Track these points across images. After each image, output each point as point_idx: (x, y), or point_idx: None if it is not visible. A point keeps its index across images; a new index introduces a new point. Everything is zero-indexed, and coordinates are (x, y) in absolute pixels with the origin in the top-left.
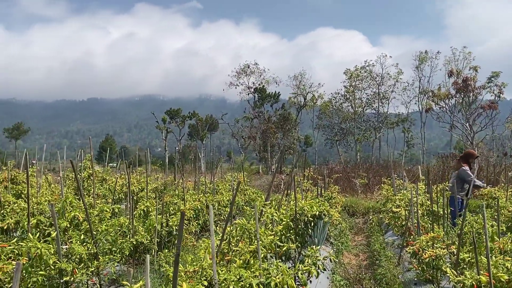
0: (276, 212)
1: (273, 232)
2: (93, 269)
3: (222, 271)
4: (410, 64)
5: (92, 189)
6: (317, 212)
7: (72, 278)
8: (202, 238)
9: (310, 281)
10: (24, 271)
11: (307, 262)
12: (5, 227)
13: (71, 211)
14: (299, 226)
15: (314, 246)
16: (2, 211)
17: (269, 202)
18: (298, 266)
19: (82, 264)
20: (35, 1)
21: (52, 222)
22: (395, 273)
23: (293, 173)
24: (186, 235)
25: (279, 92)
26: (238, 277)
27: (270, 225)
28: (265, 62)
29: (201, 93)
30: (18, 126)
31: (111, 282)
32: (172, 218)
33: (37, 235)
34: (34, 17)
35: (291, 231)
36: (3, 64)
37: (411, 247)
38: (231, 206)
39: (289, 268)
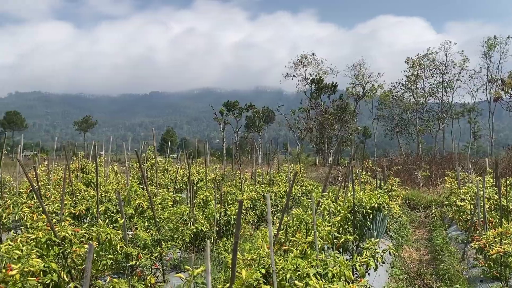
0: (333, 204)
1: (330, 224)
2: (156, 254)
3: (279, 260)
4: (477, 51)
5: (155, 179)
6: (376, 204)
7: (137, 263)
8: (260, 228)
9: (368, 274)
10: (95, 254)
11: (365, 255)
12: (77, 213)
13: (136, 199)
14: (357, 218)
15: (372, 239)
16: (74, 199)
17: (326, 193)
18: (356, 258)
19: (146, 249)
20: (102, 0)
21: (119, 209)
22: (459, 269)
23: (351, 165)
24: (243, 224)
25: (336, 82)
26: (295, 266)
27: (327, 216)
28: (323, 52)
29: (258, 86)
30: (87, 119)
31: (173, 267)
32: (230, 207)
33: (106, 221)
34: (101, 15)
35: (349, 223)
36: (73, 62)
37: (477, 243)
38: (288, 196)
39: (346, 260)
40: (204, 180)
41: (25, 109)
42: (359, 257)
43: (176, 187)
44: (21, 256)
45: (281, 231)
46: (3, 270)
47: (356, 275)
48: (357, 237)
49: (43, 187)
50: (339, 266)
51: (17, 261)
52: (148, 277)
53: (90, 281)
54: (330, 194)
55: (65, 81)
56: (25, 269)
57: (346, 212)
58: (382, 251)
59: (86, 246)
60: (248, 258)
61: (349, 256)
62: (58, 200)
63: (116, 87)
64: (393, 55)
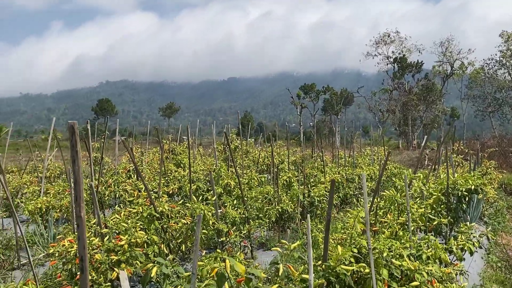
0: (424, 186)
1: (424, 206)
2: (245, 231)
3: (371, 241)
4: None
5: (240, 160)
6: (473, 187)
7: (227, 239)
8: (343, 210)
9: (464, 259)
10: (190, 230)
11: (460, 238)
12: (170, 192)
13: (224, 179)
14: (451, 201)
15: (467, 223)
16: (166, 178)
17: (418, 175)
18: (452, 242)
19: (235, 227)
20: None
21: (209, 188)
22: None
23: (442, 146)
24: (326, 206)
25: (421, 61)
26: (388, 247)
27: (418, 199)
28: (406, 29)
29: (335, 67)
30: (170, 106)
31: (260, 245)
32: (313, 189)
33: (199, 198)
34: (182, 3)
35: (442, 206)
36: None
37: None
38: (380, 176)
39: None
40: (285, 162)
41: (114, 97)
42: (454, 241)
43: (258, 168)
44: (127, 229)
45: (371, 212)
46: (113, 241)
47: (451, 259)
48: (451, 220)
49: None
50: (433, 249)
51: (124, 233)
52: (238, 253)
53: (185, 254)
54: (421, 176)
55: (150, 70)
56: (132, 240)
57: (439, 194)
58: (479, 235)
59: (183, 221)
60: (338, 237)
61: (442, 240)
62: (152, 180)
63: (196, 74)
64: (485, 29)
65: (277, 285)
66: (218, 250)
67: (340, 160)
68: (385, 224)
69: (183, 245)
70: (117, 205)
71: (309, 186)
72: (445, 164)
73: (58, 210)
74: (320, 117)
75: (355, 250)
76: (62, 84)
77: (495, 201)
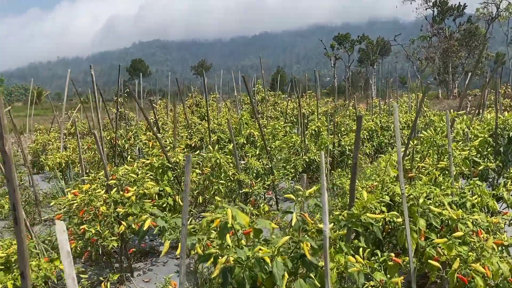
0: (468, 128)
1: (468, 148)
2: (269, 182)
3: (405, 188)
4: None
5: (266, 112)
6: None
7: (250, 190)
8: (378, 160)
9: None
10: (206, 181)
11: (510, 185)
12: (192, 145)
13: (246, 128)
14: (500, 143)
15: None
16: (189, 131)
17: (461, 114)
18: (501, 188)
19: (259, 178)
20: None
21: (231, 138)
22: None
23: (486, 89)
24: (360, 155)
25: (464, 3)
26: (425, 194)
27: (461, 143)
28: None
29: (371, 16)
30: (202, 63)
31: (286, 198)
32: (344, 138)
33: (216, 147)
34: None
35: (489, 149)
36: (188, 8)
37: None
38: (418, 111)
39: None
40: (316, 113)
41: (147, 57)
42: (503, 187)
43: (286, 120)
44: (137, 180)
45: (407, 157)
46: (121, 192)
47: (501, 208)
48: (500, 164)
49: (161, 121)
50: (479, 196)
51: (133, 184)
52: (262, 205)
53: (203, 205)
54: (465, 117)
55: (181, 28)
56: (140, 191)
57: (486, 135)
58: None
59: (197, 171)
60: (369, 184)
61: (489, 187)
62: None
63: (227, 31)
64: None
65: (288, 236)
66: (238, 202)
67: (375, 108)
68: (423, 169)
69: (200, 197)
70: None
71: (339, 135)
72: (490, 108)
73: (78, 164)
74: (355, 69)
75: (387, 198)
76: (96, 47)
77: None
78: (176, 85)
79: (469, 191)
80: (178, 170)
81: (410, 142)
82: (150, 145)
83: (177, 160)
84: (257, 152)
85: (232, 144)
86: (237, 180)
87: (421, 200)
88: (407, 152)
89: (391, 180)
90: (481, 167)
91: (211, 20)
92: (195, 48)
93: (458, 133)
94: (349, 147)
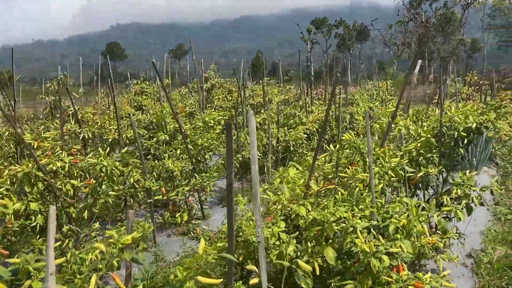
0: (413, 125)
1: (403, 152)
2: (188, 188)
3: (313, 206)
4: None
5: (217, 101)
6: (474, 125)
7: (164, 198)
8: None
9: (459, 219)
10: (92, 194)
11: (455, 193)
12: (110, 140)
13: (171, 123)
14: (446, 144)
15: (469, 171)
16: (121, 125)
17: (404, 112)
18: (440, 198)
19: (178, 182)
20: None
21: (152, 135)
22: None
23: (444, 77)
24: (306, 151)
25: None
26: (336, 217)
27: (404, 145)
28: None
29: (351, 1)
30: (180, 47)
31: (220, 200)
32: (290, 132)
33: (107, 150)
34: None
35: (434, 151)
36: None
37: None
38: (329, 106)
39: (428, 200)
40: (274, 101)
41: (127, 40)
42: (447, 196)
43: (244, 109)
44: None
45: (328, 164)
46: None
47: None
48: (444, 169)
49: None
50: (408, 215)
51: None
52: (178, 215)
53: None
54: (410, 112)
55: (161, 11)
56: None
57: (429, 135)
58: (481, 189)
59: (73, 181)
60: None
61: (433, 193)
62: (100, 125)
63: (208, 13)
64: None
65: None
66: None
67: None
68: (346, 180)
69: (86, 212)
70: None
71: (287, 128)
72: (454, 98)
73: None
74: (332, 54)
75: (282, 226)
76: (74, 29)
77: (510, 138)
78: (149, 69)
79: (396, 208)
80: (51, 181)
81: (331, 146)
82: (35, 146)
83: (55, 167)
84: (178, 152)
85: (137, 143)
86: (142, 186)
87: (290, 248)
88: (328, 158)
89: (295, 196)
90: (421, 174)
91: (191, 2)
92: (175, 31)
93: (400, 130)
94: (294, 142)
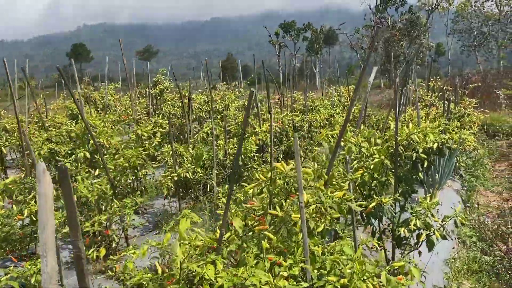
0: (365, 142)
1: (349, 179)
2: (105, 217)
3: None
4: None
5: (166, 107)
6: (435, 144)
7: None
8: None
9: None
10: None
11: (413, 224)
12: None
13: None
14: (403, 167)
15: (429, 196)
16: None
17: (357, 126)
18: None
19: (95, 210)
20: None
21: (71, 151)
22: None
23: (405, 82)
24: (256, 166)
25: None
26: (254, 281)
27: (346, 171)
28: None
29: (323, 5)
30: (148, 49)
31: (155, 225)
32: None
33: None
34: None
35: (390, 173)
36: None
37: None
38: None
39: (384, 231)
40: (232, 107)
41: (94, 41)
42: (404, 228)
43: (191, 117)
44: None
45: (259, 197)
46: None
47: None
48: (401, 196)
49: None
50: (351, 267)
51: None
52: (92, 250)
53: None
54: (362, 128)
55: (130, 11)
56: None
57: (383, 156)
58: (443, 220)
59: None
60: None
61: (389, 224)
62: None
63: (178, 15)
64: None
65: None
66: None
67: (298, 104)
68: (278, 219)
69: None
70: None
71: (235, 139)
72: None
73: None
74: (301, 58)
75: None
76: (39, 30)
77: (474, 149)
78: (123, 70)
79: (329, 263)
80: None
81: (259, 175)
82: None
83: None
84: (96, 173)
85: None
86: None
87: None
88: (259, 189)
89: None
90: (373, 204)
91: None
92: (144, 32)
93: (349, 149)
94: (244, 156)
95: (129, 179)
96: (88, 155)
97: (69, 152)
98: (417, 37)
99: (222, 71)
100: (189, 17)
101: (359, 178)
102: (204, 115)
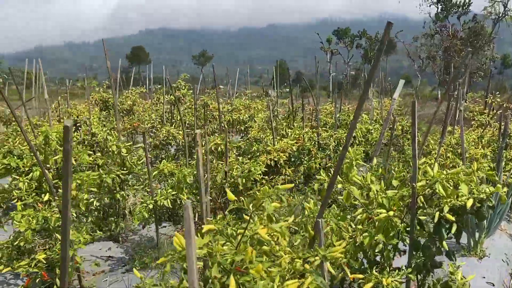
0: (377, 184)
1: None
2: (43, 256)
3: None
4: None
5: (189, 116)
6: (470, 201)
7: None
8: (303, 191)
9: None
10: None
11: None
12: None
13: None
14: (423, 228)
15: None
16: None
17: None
18: None
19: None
20: None
21: (29, 169)
22: None
23: (456, 98)
24: (258, 190)
25: (469, 0)
26: None
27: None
28: None
29: (380, 12)
30: (203, 54)
31: (131, 257)
32: (244, 165)
33: None
34: None
35: (405, 234)
36: None
37: None
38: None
39: None
40: (258, 117)
41: (154, 44)
42: None
43: (212, 127)
44: None
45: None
46: None
47: None
48: (417, 271)
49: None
50: None
51: None
52: None
53: None
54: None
55: (189, 17)
56: None
57: (393, 212)
58: None
59: None
60: None
61: None
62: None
63: (236, 21)
64: None
65: None
66: None
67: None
68: None
69: None
70: None
71: (244, 158)
72: (467, 124)
73: None
74: (354, 66)
75: None
76: (104, 32)
77: None
78: (181, 73)
79: None
80: None
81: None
82: None
83: None
84: (46, 198)
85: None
86: None
87: None
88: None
89: None
90: (369, 286)
91: (220, 10)
92: (202, 37)
93: (350, 196)
94: (244, 180)
95: (98, 204)
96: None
97: (28, 170)
98: (481, 47)
99: (274, 77)
100: (245, 24)
101: (351, 245)
102: (226, 126)
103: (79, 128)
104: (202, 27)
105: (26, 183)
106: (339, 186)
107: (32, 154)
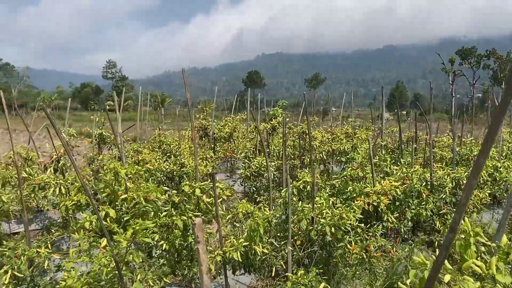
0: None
1: None
2: None
3: None
4: None
5: (275, 146)
6: None
7: None
8: (408, 243)
9: None
10: None
11: None
12: None
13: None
14: None
15: None
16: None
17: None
18: None
19: None
20: None
21: (99, 206)
22: None
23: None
24: (350, 247)
25: None
26: None
27: None
28: None
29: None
30: (316, 76)
31: None
32: (334, 210)
33: None
34: None
35: None
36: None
37: None
38: None
39: None
40: (362, 148)
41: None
42: None
43: (285, 160)
44: None
45: None
46: None
47: None
48: None
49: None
50: None
51: None
52: None
53: None
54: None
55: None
56: None
57: None
58: None
59: None
60: None
61: None
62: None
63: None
64: None
65: None
66: None
67: (445, 150)
68: None
69: None
70: None
71: (336, 199)
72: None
73: None
74: (480, 88)
75: None
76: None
77: None
78: (294, 96)
79: None
80: None
81: None
82: None
83: None
84: (104, 244)
85: None
86: None
87: None
88: None
89: None
90: None
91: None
92: (316, 60)
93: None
94: (331, 230)
95: (167, 247)
96: (113, 213)
97: (99, 207)
98: None
99: (390, 99)
100: (361, 45)
101: None
102: (325, 157)
103: (169, 158)
104: (316, 50)
105: (93, 223)
106: (446, 279)
107: (104, 189)
